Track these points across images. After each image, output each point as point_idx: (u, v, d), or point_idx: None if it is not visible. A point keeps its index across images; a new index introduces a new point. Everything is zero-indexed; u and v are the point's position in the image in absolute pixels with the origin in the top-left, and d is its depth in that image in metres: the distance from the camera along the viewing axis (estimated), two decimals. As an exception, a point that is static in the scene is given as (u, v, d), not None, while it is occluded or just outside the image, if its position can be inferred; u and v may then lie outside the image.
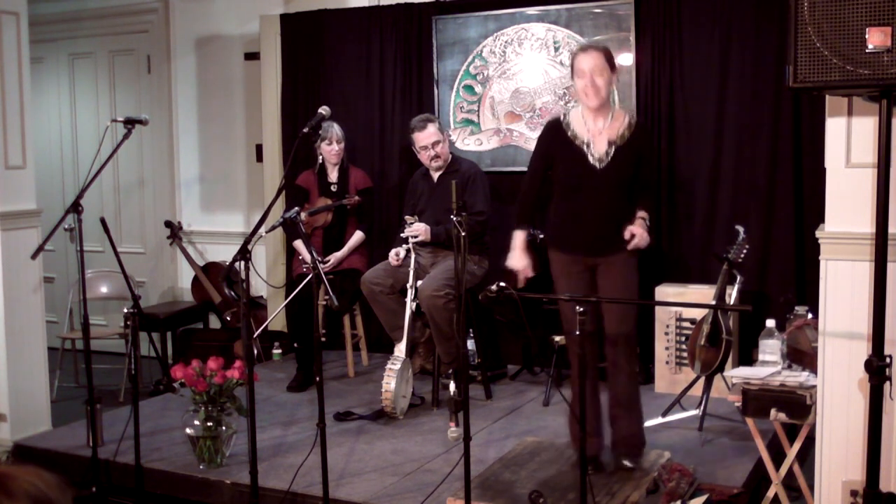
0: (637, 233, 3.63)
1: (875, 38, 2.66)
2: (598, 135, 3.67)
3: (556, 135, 3.75)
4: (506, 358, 5.56)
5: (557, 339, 4.79)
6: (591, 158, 3.66)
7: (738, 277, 4.36)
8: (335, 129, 5.32)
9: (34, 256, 4.25)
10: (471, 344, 5.13)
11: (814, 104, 4.55)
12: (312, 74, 6.05)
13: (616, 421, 3.80)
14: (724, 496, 3.49)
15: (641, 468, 3.74)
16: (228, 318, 6.10)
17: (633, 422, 3.81)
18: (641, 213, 3.74)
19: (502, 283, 3.17)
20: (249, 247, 3.31)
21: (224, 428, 4.01)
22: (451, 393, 3.77)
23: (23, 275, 4.63)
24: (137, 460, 3.89)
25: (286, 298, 4.86)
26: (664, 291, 4.90)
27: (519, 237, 3.81)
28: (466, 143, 5.68)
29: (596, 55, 3.64)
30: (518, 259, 3.78)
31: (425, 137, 5.08)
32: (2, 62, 4.53)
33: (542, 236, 4.49)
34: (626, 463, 3.74)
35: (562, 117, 3.79)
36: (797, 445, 3.59)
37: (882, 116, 2.76)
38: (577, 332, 2.96)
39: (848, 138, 3.07)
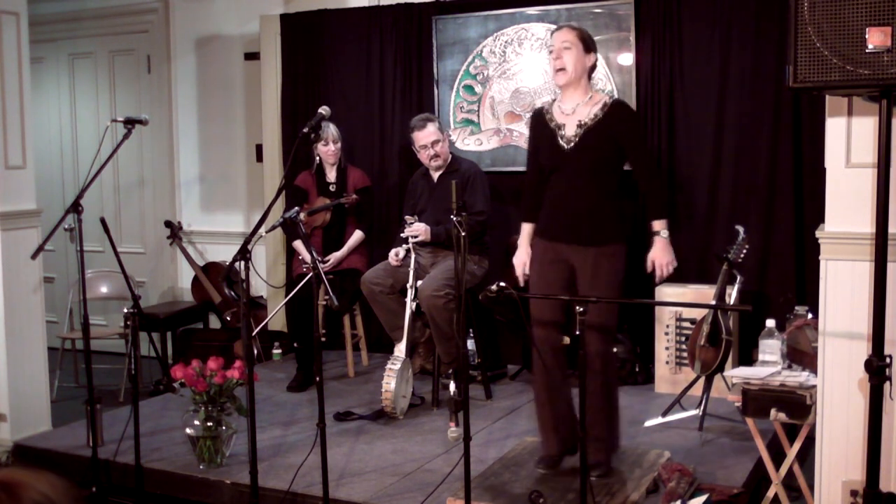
0: (657, 261, 3.50)
1: (875, 38, 2.66)
2: (570, 116, 3.59)
3: (538, 122, 3.71)
4: (506, 358, 5.56)
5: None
6: (560, 140, 3.57)
7: (738, 277, 4.36)
8: (331, 130, 5.32)
9: (34, 256, 4.25)
10: (471, 344, 5.13)
11: (814, 104, 4.56)
12: (312, 74, 6.05)
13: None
14: (724, 496, 3.48)
15: (614, 475, 3.59)
16: (228, 318, 6.10)
17: (599, 422, 3.52)
18: (656, 226, 3.54)
19: (502, 283, 3.17)
20: (249, 247, 3.31)
21: (224, 428, 4.01)
22: (451, 393, 3.77)
23: (23, 275, 4.63)
24: (137, 460, 3.89)
25: (286, 298, 4.86)
26: (664, 291, 4.90)
27: (522, 230, 3.77)
28: (466, 143, 5.68)
29: (566, 31, 3.59)
30: (518, 255, 3.75)
31: (425, 136, 5.08)
32: (2, 62, 4.53)
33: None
34: (591, 477, 3.38)
35: (546, 106, 3.73)
36: (797, 445, 3.59)
37: (882, 116, 2.76)
38: (577, 332, 2.95)
39: (848, 138, 3.07)
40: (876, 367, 2.78)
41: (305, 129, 3.56)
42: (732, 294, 4.36)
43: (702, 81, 5.09)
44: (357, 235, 5.41)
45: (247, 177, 6.54)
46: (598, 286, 3.49)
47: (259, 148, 6.35)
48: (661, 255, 3.55)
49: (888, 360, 2.80)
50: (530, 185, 3.78)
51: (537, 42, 5.44)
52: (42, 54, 6.94)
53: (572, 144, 3.55)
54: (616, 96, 3.65)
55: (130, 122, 4.01)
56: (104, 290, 6.08)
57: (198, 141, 6.70)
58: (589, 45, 3.59)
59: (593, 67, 3.64)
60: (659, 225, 3.57)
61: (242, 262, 3.29)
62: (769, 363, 3.69)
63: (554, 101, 3.73)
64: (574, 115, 3.58)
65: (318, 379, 3.43)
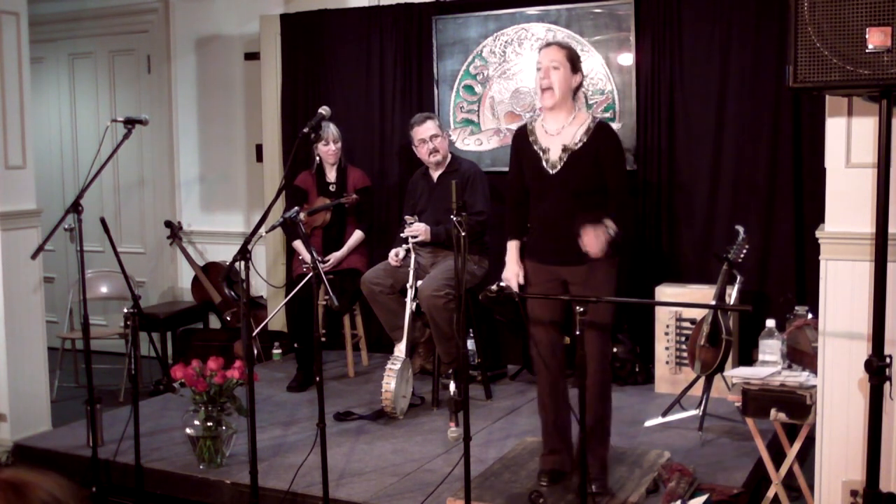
0: (587, 239, 3.33)
1: (875, 38, 2.66)
2: (554, 138, 3.54)
3: (521, 142, 3.64)
4: (506, 358, 5.56)
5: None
6: (545, 164, 3.52)
7: (738, 277, 4.36)
8: (331, 130, 5.32)
9: (34, 256, 4.25)
10: (471, 344, 5.13)
11: (814, 104, 4.55)
12: (312, 74, 6.06)
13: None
14: (724, 496, 3.49)
15: (608, 491, 3.50)
16: (228, 318, 6.10)
17: (595, 432, 3.46)
18: (606, 221, 3.40)
19: (502, 283, 3.18)
20: (249, 247, 3.31)
21: (224, 428, 4.01)
22: (451, 393, 3.77)
23: (23, 275, 4.63)
24: (137, 460, 3.89)
25: (286, 298, 4.86)
26: (664, 291, 4.90)
27: (509, 248, 3.69)
28: (466, 143, 5.68)
29: (556, 50, 3.52)
30: (509, 269, 3.66)
31: (424, 131, 5.08)
32: (2, 62, 4.53)
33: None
34: (592, 487, 3.32)
35: (528, 124, 3.66)
36: (797, 445, 3.59)
37: (882, 116, 2.76)
38: (577, 333, 2.95)
39: (848, 138, 3.07)
40: (876, 367, 2.79)
41: (305, 129, 3.56)
42: (732, 294, 4.36)
43: (702, 81, 5.09)
44: (357, 235, 5.41)
45: (247, 177, 6.54)
46: (593, 291, 3.45)
47: (259, 148, 6.35)
48: (589, 235, 3.32)
49: (888, 360, 2.80)
50: (512, 202, 3.74)
51: (537, 42, 5.43)
52: (42, 54, 6.94)
53: (557, 169, 3.51)
54: (598, 118, 3.61)
55: (130, 122, 4.01)
56: (104, 290, 6.08)
57: (198, 141, 6.70)
58: (576, 66, 3.54)
59: (579, 87, 3.59)
60: (607, 220, 3.39)
61: (242, 262, 3.29)
62: (769, 363, 3.69)
63: (533, 120, 3.67)
64: (558, 136, 3.53)
65: (318, 379, 3.43)
